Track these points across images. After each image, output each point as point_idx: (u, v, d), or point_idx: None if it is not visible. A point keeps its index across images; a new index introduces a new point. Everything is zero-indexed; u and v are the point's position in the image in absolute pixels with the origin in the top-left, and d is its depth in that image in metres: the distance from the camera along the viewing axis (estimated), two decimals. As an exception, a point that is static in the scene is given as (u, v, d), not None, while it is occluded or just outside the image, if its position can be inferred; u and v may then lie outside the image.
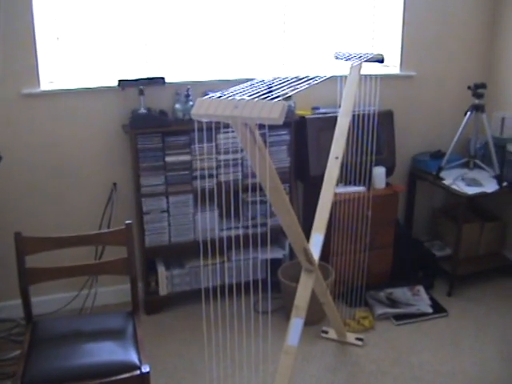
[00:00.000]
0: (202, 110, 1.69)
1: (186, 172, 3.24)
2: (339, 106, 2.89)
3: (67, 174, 3.26)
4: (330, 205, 2.66)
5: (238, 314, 2.42)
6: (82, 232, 2.47)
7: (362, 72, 2.93)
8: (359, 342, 3.11)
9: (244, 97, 1.69)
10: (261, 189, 1.95)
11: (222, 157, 3.25)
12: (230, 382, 2.76)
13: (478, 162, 3.71)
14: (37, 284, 2.38)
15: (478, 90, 3.54)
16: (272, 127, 3.21)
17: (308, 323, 2.68)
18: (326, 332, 3.19)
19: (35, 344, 2.25)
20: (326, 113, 3.45)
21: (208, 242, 3.26)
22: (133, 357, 2.18)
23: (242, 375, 2.80)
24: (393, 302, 3.41)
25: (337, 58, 3.09)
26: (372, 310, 3.39)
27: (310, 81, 2.01)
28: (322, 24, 3.60)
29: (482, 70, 3.93)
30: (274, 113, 1.56)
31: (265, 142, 3.11)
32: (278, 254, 3.57)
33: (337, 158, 2.75)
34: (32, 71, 3.03)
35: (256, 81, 2.02)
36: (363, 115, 3.28)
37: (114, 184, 3.35)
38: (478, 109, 3.55)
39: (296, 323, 2.34)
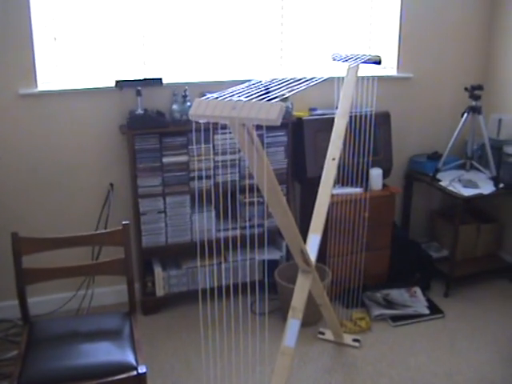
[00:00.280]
0: (199, 110, 1.69)
1: (184, 173, 3.24)
2: (336, 108, 2.90)
3: (64, 174, 3.26)
4: (326, 206, 2.67)
5: (235, 315, 2.42)
6: (78, 232, 2.47)
7: (360, 73, 2.94)
8: (356, 344, 3.11)
9: (242, 98, 1.69)
10: (258, 190, 1.95)
11: (219, 158, 3.26)
12: (227, 382, 2.76)
13: (474, 163, 3.72)
14: (34, 284, 2.38)
15: (474, 91, 3.56)
16: (269, 128, 3.21)
17: (305, 324, 2.68)
18: (323, 333, 3.19)
19: (32, 344, 2.25)
20: (323, 114, 3.46)
21: (205, 243, 3.26)
22: (129, 357, 2.18)
23: (238, 376, 2.80)
24: (389, 303, 3.42)
25: (334, 59, 3.10)
26: (369, 311, 3.40)
27: (308, 82, 2.02)
28: (320, 25, 3.61)
29: (478, 71, 3.94)
30: (272, 114, 1.57)
31: (262, 143, 3.12)
32: (275, 255, 3.57)
33: (334, 159, 2.75)
34: (29, 71, 3.03)
35: (253, 82, 2.03)
36: (360, 117, 3.29)
37: (111, 184, 3.35)
38: (474, 110, 3.56)
39: (293, 324, 2.34)
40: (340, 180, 3.40)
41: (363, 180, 3.44)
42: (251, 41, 3.49)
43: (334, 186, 3.00)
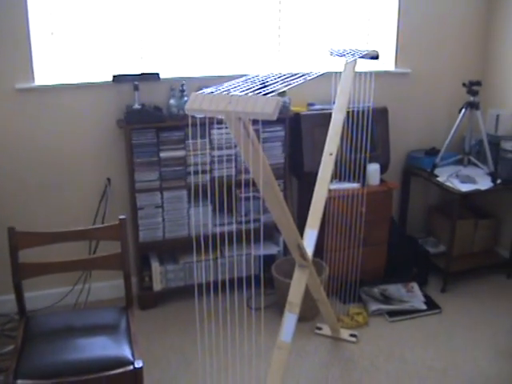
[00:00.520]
0: (196, 104, 1.68)
1: (180, 167, 3.23)
2: (334, 103, 2.89)
3: (61, 168, 3.25)
4: (324, 201, 2.66)
5: (232, 310, 2.43)
6: (75, 227, 2.46)
7: (357, 68, 2.93)
8: (353, 339, 3.11)
9: (238, 92, 1.69)
10: (254, 184, 1.95)
11: (215, 152, 3.25)
12: (224, 377, 2.77)
13: (472, 159, 3.72)
14: (30, 279, 2.38)
15: (472, 87, 3.55)
16: (267, 123, 3.21)
17: (302, 319, 2.68)
18: (320, 328, 3.20)
19: (29, 339, 2.25)
20: (320, 109, 3.46)
21: (201, 238, 3.26)
22: (126, 352, 2.18)
23: (235, 370, 2.80)
24: (387, 299, 3.42)
25: (331, 54, 3.09)
26: (366, 306, 3.40)
27: (305, 77, 2.01)
28: (317, 20, 3.60)
29: (476, 67, 3.93)
30: (268, 108, 1.56)
31: (258, 137, 3.11)
32: (272, 250, 3.57)
33: (331, 154, 2.75)
34: (26, 66, 3.02)
35: (250, 76, 2.02)
36: (358, 112, 3.28)
37: (108, 179, 3.35)
38: (472, 106, 3.56)
39: (289, 319, 2.34)
40: (337, 175, 3.39)
41: (360, 175, 3.44)
42: (249, 36, 3.48)
43: (332, 181, 3.00)
